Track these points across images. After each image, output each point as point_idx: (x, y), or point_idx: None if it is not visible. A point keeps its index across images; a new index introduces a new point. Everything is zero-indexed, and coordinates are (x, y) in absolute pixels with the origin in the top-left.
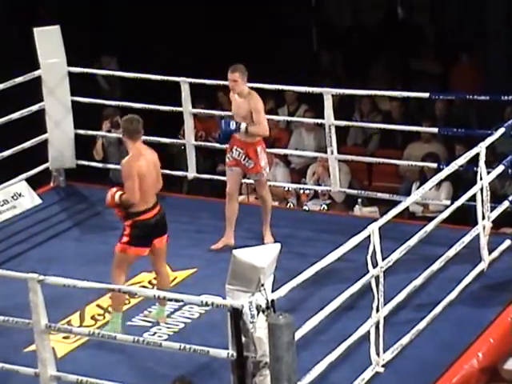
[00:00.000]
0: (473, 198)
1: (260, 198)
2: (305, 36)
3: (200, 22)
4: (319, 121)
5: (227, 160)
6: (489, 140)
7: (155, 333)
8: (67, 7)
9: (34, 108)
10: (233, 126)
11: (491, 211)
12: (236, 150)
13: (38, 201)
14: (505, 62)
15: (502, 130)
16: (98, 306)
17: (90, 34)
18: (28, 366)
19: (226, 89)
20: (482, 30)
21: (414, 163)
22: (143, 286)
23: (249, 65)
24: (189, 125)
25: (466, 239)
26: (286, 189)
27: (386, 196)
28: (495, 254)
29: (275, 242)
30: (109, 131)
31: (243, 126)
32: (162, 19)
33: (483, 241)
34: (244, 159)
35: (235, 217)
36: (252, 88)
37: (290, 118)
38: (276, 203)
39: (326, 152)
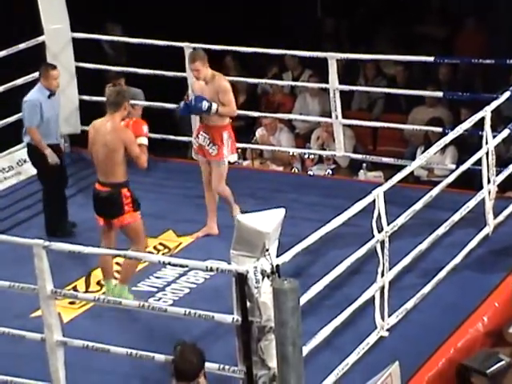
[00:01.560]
0: (478, 162)
1: (217, 193)
2: (309, 2)
3: None
4: (324, 85)
5: (194, 145)
6: (494, 104)
7: (160, 298)
8: None
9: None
10: (205, 106)
11: (496, 175)
12: (201, 134)
13: None
14: (511, 26)
15: (507, 94)
16: None
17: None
18: (34, 331)
19: (234, 53)
20: None
21: (418, 127)
22: (148, 252)
23: (254, 30)
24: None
25: (471, 204)
26: (291, 154)
27: (390, 160)
28: (500, 218)
29: (280, 207)
30: None
31: (214, 106)
32: None
33: (488, 205)
34: (208, 145)
35: (215, 206)
36: (257, 54)
37: (294, 83)
38: (281, 168)
39: (330, 117)
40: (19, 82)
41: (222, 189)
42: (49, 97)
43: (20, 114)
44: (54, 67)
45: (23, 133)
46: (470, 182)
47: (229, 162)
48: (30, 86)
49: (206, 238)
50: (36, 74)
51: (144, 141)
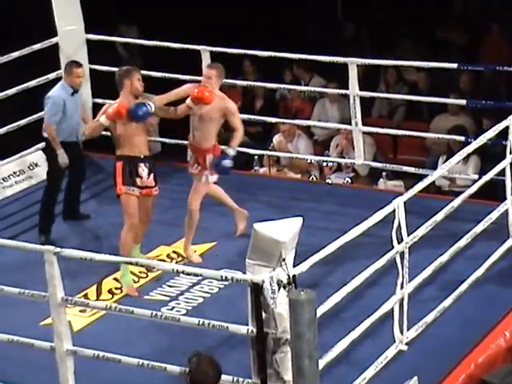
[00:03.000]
0: (501, 172)
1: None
2: (330, 6)
3: None
4: (343, 91)
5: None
6: None
7: (173, 307)
8: None
9: (52, 76)
10: (144, 113)
11: None
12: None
13: None
14: None
15: None
16: (115, 279)
17: (110, 1)
18: (44, 339)
19: (252, 58)
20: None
21: (440, 136)
22: (161, 260)
23: (274, 34)
24: None
25: (494, 215)
26: (309, 161)
27: (411, 169)
28: None
29: (297, 216)
30: None
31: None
32: None
33: (511, 216)
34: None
35: (232, 202)
36: (275, 58)
37: (314, 89)
38: (298, 176)
39: (350, 123)
40: (32, 83)
41: (195, 203)
42: (72, 94)
43: (30, 118)
44: (79, 65)
45: (43, 128)
46: (493, 192)
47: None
48: (42, 87)
49: (221, 247)
50: (50, 76)
51: (102, 119)
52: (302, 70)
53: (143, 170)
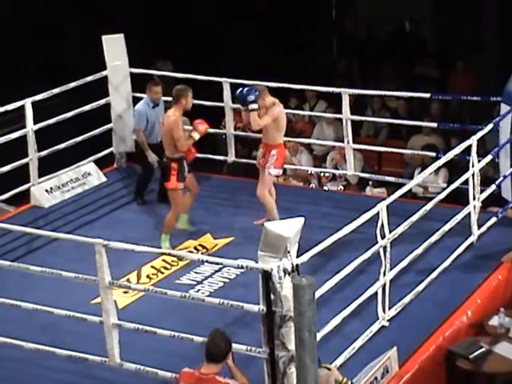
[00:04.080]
0: (465, 182)
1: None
2: (326, 46)
3: (239, 33)
4: (338, 116)
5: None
6: (479, 134)
7: (199, 290)
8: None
9: (102, 102)
10: (250, 98)
11: (480, 193)
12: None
13: (104, 179)
14: (494, 68)
15: (490, 126)
16: (152, 266)
17: (149, 41)
18: (94, 315)
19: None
20: (477, 42)
21: (416, 152)
22: (189, 251)
23: (281, 69)
24: (229, 118)
25: (459, 216)
26: (309, 172)
27: (392, 179)
28: (483, 229)
29: (299, 216)
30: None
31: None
32: (210, 30)
33: (473, 218)
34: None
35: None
36: (281, 88)
37: (314, 113)
38: (301, 184)
39: (342, 142)
40: (86, 108)
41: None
42: (153, 107)
43: (84, 136)
44: (157, 84)
45: (132, 131)
46: (459, 198)
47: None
48: (94, 111)
49: (238, 242)
50: (100, 102)
51: (194, 134)
52: (311, 95)
53: (186, 167)
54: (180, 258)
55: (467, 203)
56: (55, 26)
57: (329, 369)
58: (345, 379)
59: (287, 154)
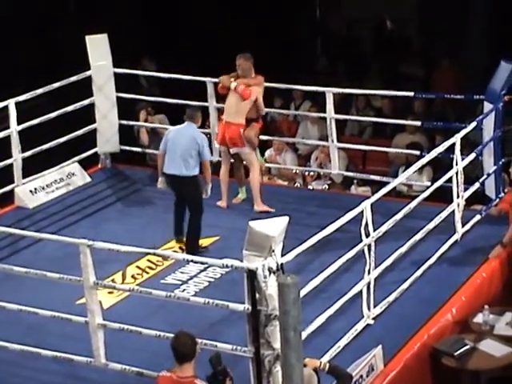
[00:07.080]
0: (449, 180)
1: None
2: (311, 45)
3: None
4: (322, 115)
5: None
6: (463, 132)
7: (184, 289)
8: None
9: (86, 102)
10: None
11: (464, 191)
12: None
13: (88, 179)
14: (478, 68)
15: (474, 124)
16: (137, 266)
17: (134, 41)
18: (79, 315)
19: None
20: (461, 41)
21: (400, 151)
22: (174, 251)
23: (267, 69)
24: (213, 117)
25: (443, 214)
26: (294, 171)
27: (377, 178)
28: (467, 226)
29: (284, 215)
30: (146, 120)
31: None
32: (194, 31)
33: (457, 216)
34: None
35: None
36: (268, 88)
37: (298, 113)
38: (285, 183)
39: (327, 141)
40: (70, 108)
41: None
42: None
43: (69, 136)
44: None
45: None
46: (443, 196)
47: None
48: (79, 112)
49: (223, 241)
50: (84, 102)
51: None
52: (298, 94)
53: None
54: (165, 258)
55: (451, 201)
56: (44, 26)
57: (304, 365)
58: (322, 363)
59: (273, 153)
